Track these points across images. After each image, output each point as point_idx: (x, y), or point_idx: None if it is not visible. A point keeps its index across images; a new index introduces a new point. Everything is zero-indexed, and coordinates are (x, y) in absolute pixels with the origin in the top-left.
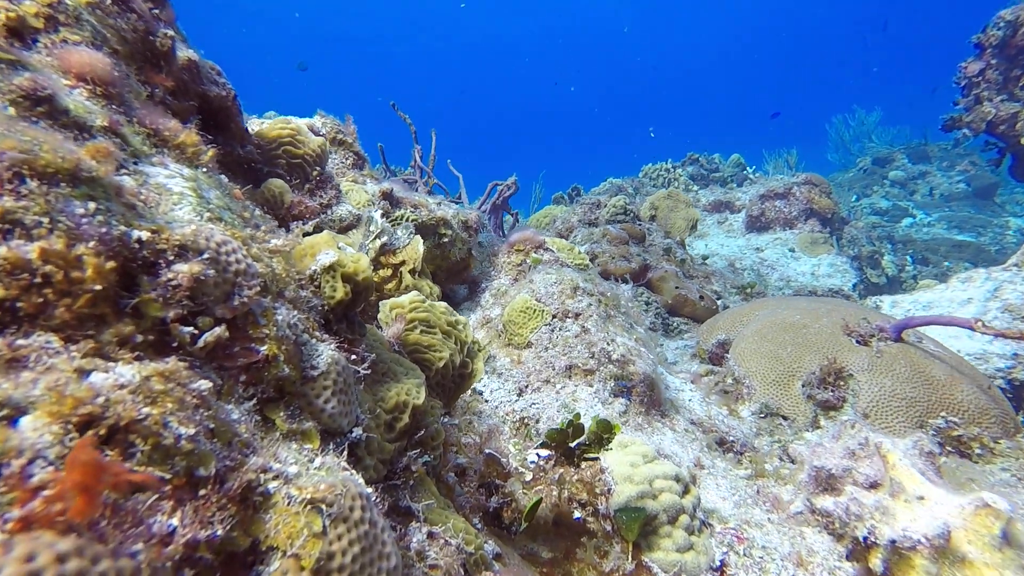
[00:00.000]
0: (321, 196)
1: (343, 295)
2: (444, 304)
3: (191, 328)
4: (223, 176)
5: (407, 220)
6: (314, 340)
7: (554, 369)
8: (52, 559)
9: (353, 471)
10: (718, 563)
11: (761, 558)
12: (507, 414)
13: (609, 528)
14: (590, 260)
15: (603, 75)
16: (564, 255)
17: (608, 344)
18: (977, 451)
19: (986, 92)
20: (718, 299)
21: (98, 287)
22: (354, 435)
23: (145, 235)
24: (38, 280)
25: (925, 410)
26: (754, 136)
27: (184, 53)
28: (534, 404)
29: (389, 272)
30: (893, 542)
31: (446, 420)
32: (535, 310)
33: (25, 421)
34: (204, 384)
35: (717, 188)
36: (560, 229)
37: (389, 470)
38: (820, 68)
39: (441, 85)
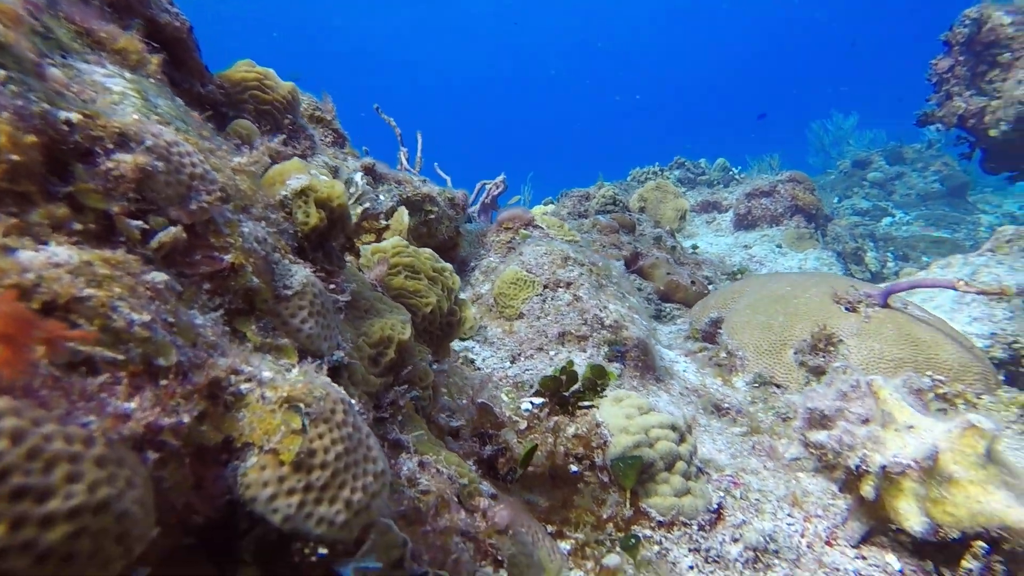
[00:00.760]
0: (295, 146)
1: (317, 221)
2: (429, 251)
3: (140, 222)
4: (178, 100)
5: (391, 191)
6: (287, 261)
7: (547, 337)
8: None
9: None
10: (715, 506)
11: (757, 500)
12: (501, 379)
13: (607, 479)
14: None
15: (592, 83)
16: (554, 231)
17: (600, 311)
18: (961, 406)
19: (956, 87)
20: (709, 284)
21: (15, 157)
22: (336, 357)
23: (75, 117)
24: None
25: (912, 370)
26: (737, 143)
27: None
28: (528, 371)
29: (373, 238)
30: (884, 468)
31: (435, 366)
32: (526, 281)
33: None
34: (159, 276)
35: (704, 189)
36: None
37: (376, 404)
38: (800, 77)
39: (425, 91)
